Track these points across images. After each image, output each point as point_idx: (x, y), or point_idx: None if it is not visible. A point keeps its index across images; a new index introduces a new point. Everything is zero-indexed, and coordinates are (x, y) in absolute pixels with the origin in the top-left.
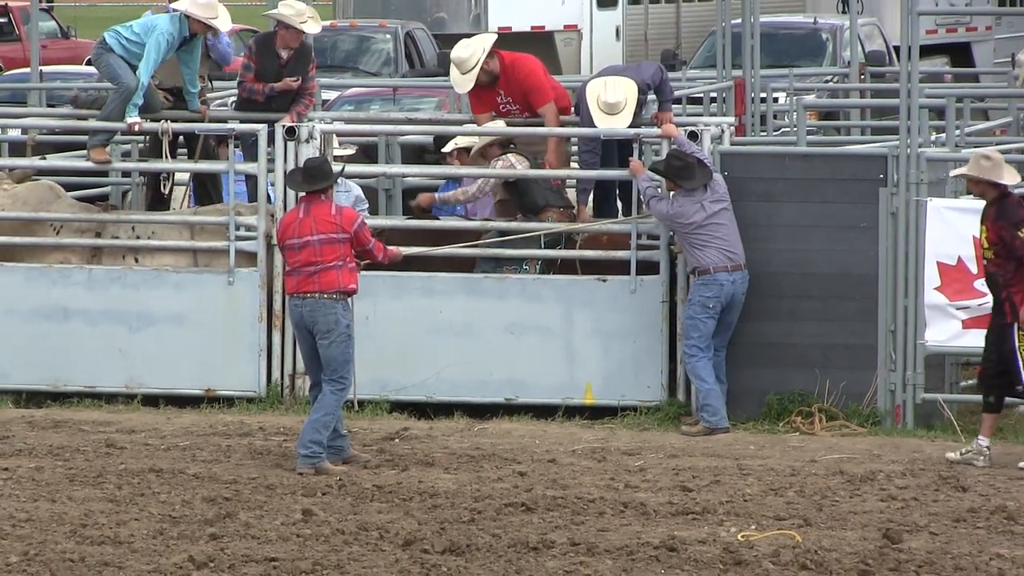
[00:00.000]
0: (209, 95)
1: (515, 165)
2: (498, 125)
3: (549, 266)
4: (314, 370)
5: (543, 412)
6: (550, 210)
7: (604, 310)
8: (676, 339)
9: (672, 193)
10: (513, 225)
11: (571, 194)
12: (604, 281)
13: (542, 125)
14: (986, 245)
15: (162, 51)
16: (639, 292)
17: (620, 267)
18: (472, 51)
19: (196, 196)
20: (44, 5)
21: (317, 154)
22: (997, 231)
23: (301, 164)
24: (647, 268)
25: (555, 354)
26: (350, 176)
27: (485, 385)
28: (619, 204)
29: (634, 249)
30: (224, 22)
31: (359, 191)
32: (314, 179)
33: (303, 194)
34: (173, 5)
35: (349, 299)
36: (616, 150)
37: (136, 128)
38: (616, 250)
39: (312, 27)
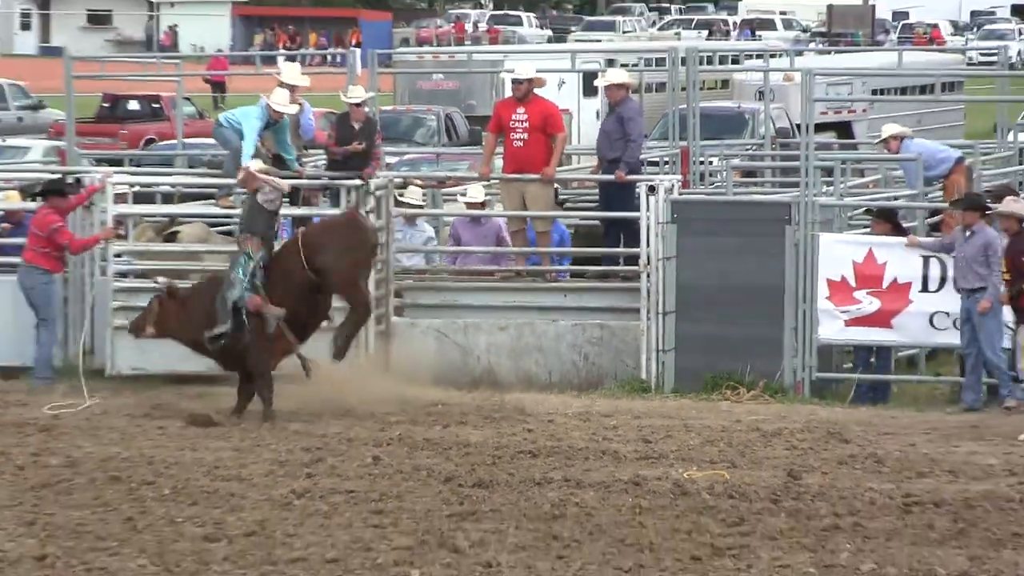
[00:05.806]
0: (305, 159)
1: (269, 191)
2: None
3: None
4: None
5: None
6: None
7: None
8: None
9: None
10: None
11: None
12: None
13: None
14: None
15: (255, 130)
16: None
17: None
18: (528, 70)
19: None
20: (186, 94)
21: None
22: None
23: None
24: None
25: None
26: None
27: None
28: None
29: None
30: (291, 108)
31: (431, 231)
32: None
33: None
34: (264, 98)
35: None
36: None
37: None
38: None
39: (356, 94)
